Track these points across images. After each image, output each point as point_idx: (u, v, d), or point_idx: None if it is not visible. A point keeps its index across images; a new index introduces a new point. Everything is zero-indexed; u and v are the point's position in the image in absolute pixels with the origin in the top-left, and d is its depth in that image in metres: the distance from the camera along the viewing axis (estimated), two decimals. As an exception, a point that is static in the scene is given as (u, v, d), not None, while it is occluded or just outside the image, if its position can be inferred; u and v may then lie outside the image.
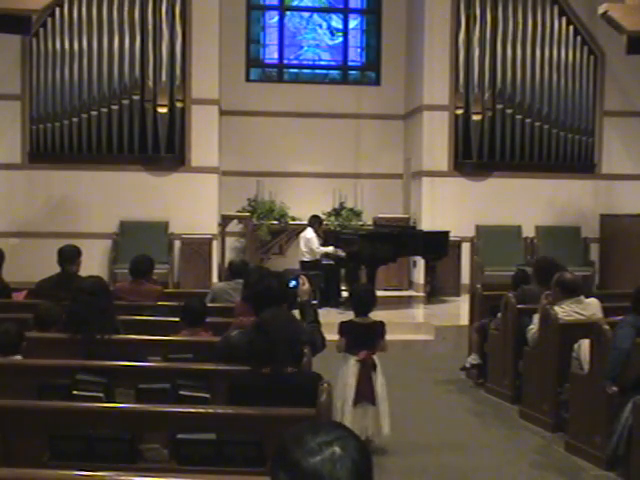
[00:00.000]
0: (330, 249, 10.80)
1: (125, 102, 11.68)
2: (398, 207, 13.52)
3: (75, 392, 3.96)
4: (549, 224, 12.49)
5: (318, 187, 13.37)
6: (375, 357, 5.60)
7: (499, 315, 7.29)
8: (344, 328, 5.64)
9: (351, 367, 5.51)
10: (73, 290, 5.06)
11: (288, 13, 14.05)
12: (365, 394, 5.48)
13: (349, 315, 6.05)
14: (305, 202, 12.92)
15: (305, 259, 10.88)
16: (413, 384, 7.62)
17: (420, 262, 11.90)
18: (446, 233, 11.27)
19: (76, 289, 5.03)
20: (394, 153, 13.66)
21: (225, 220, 12.36)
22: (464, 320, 9.13)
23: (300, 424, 1.58)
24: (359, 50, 14.19)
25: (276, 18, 13.97)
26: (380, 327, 5.68)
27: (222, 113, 12.57)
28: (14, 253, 10.38)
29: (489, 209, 12.37)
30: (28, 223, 11.72)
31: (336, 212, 13.19)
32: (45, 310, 5.10)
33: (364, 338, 5.61)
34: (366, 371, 5.50)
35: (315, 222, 11.10)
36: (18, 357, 4.41)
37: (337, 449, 1.48)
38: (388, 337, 5.77)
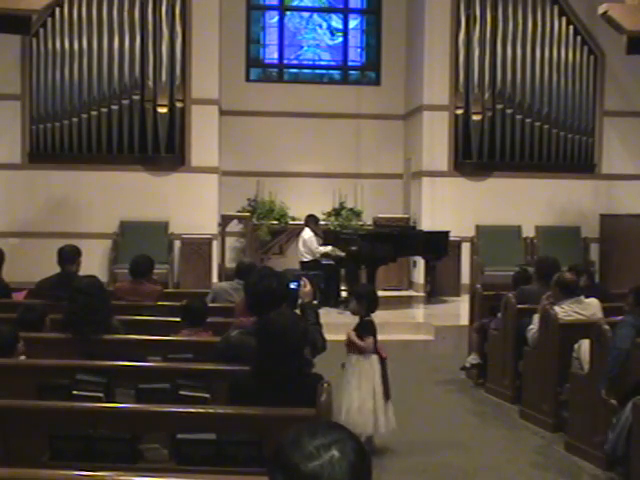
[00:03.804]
0: (328, 249, 10.80)
1: (125, 102, 11.68)
2: (398, 207, 13.52)
3: (75, 392, 3.96)
4: (549, 224, 12.49)
5: (318, 187, 13.37)
6: None
7: (499, 315, 7.29)
8: (369, 328, 5.66)
9: (375, 365, 5.58)
10: (70, 290, 5.06)
11: (288, 13, 14.06)
12: (388, 390, 5.61)
13: (349, 315, 6.04)
14: (305, 202, 12.92)
15: (305, 259, 10.89)
16: (413, 384, 7.62)
17: (420, 262, 11.90)
18: (446, 233, 11.27)
19: (72, 289, 5.02)
20: (394, 153, 13.66)
21: (225, 220, 12.36)
22: (464, 320, 9.13)
23: (298, 425, 1.57)
24: (359, 50, 14.19)
25: (276, 18, 13.97)
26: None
27: (222, 113, 12.57)
28: (14, 253, 10.38)
29: (489, 209, 12.37)
30: (28, 223, 11.72)
31: (336, 212, 13.19)
32: (26, 311, 5.07)
33: (375, 336, 5.66)
34: (385, 368, 5.64)
35: (311, 221, 11.10)
36: (22, 357, 4.41)
37: (335, 453, 1.48)
38: (389, 337, 5.82)
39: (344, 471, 1.46)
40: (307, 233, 10.94)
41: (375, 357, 5.61)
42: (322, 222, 11.86)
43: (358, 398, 5.47)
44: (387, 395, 5.60)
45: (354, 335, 5.62)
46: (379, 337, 5.82)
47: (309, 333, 4.03)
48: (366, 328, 5.65)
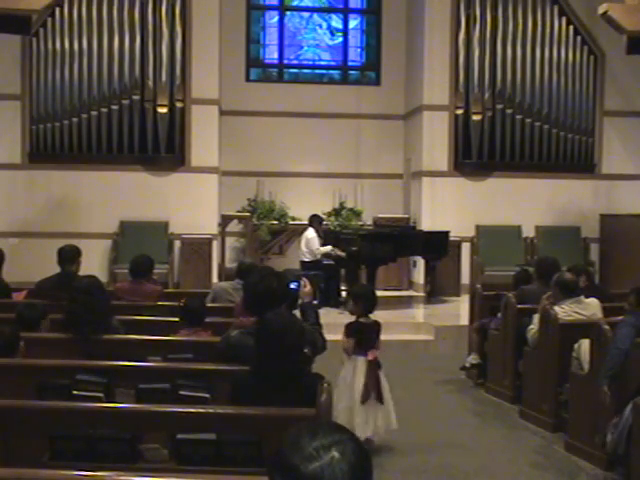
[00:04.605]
0: (328, 249, 10.80)
1: (125, 102, 11.68)
2: (398, 207, 13.52)
3: (75, 392, 3.96)
4: (549, 224, 12.49)
5: (318, 187, 13.37)
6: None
7: (499, 315, 7.29)
8: (352, 329, 5.64)
9: (360, 367, 5.55)
10: (70, 290, 5.06)
11: (288, 13, 14.05)
12: (375, 393, 5.53)
13: (348, 315, 6.04)
14: (305, 202, 12.92)
15: (305, 259, 10.89)
16: (413, 384, 7.62)
17: (420, 262, 11.90)
18: (446, 233, 11.27)
19: (72, 289, 5.02)
20: (394, 153, 13.66)
21: (225, 220, 12.36)
22: (464, 320, 9.13)
23: (298, 426, 1.56)
24: (359, 50, 14.19)
25: (276, 18, 13.97)
26: (379, 327, 5.73)
27: (222, 113, 12.57)
28: (14, 253, 10.38)
29: (489, 209, 12.37)
30: (28, 223, 11.72)
31: (336, 212, 13.19)
32: (24, 310, 5.07)
33: (369, 338, 5.64)
34: (375, 370, 5.58)
35: (315, 221, 11.11)
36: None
37: (335, 454, 1.47)
38: (388, 337, 5.81)
39: (344, 472, 1.46)
40: (311, 233, 10.94)
41: (360, 359, 5.57)
42: (323, 222, 11.86)
43: (336, 398, 5.45)
44: (377, 398, 5.53)
45: (343, 334, 5.64)
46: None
47: (308, 333, 4.03)
48: (350, 329, 5.64)
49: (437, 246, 11.12)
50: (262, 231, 12.66)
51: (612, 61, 12.51)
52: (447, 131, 12.38)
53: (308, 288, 4.63)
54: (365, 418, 5.47)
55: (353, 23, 14.20)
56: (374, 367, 5.58)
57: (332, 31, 14.17)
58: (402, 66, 13.65)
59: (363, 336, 5.62)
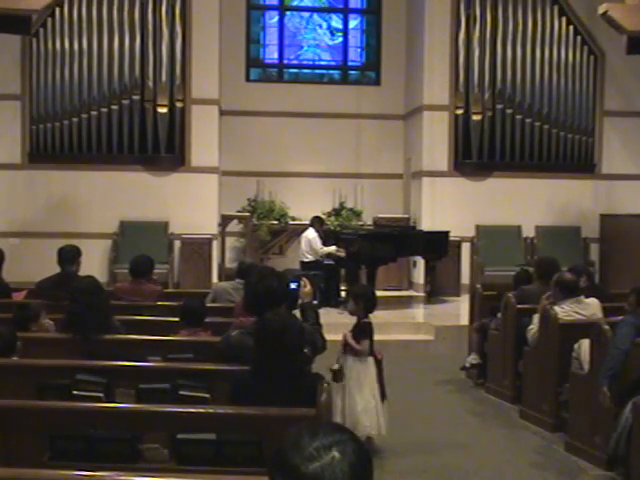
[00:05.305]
0: (332, 249, 10.80)
1: (125, 102, 11.68)
2: (398, 207, 13.52)
3: (75, 392, 3.96)
4: (549, 224, 12.49)
5: (318, 187, 13.36)
6: None
7: (499, 315, 7.29)
8: (367, 330, 5.64)
9: (371, 367, 5.58)
10: (71, 290, 5.06)
11: (288, 13, 14.05)
12: (383, 391, 5.61)
13: (348, 315, 6.04)
14: (305, 202, 12.93)
15: (306, 259, 10.88)
16: (413, 384, 7.62)
17: (420, 262, 11.90)
18: (446, 233, 11.27)
19: (74, 289, 5.03)
20: (394, 153, 13.66)
21: (225, 220, 12.36)
22: (464, 320, 9.13)
23: (298, 426, 1.56)
24: (359, 50, 14.19)
25: (276, 18, 13.97)
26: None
27: (222, 113, 12.57)
28: (14, 253, 10.38)
29: (489, 209, 12.36)
30: (28, 223, 11.72)
31: (336, 212, 13.19)
32: (16, 311, 5.08)
33: (372, 338, 5.65)
34: (381, 369, 5.63)
35: (317, 223, 11.12)
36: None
37: (336, 454, 1.47)
38: (388, 337, 5.81)
39: (345, 472, 1.45)
40: (311, 233, 10.93)
41: (371, 359, 5.61)
42: (324, 223, 11.83)
43: (361, 400, 5.47)
44: (382, 396, 5.60)
45: (350, 337, 5.62)
46: (378, 337, 5.82)
47: (308, 333, 4.03)
48: (362, 331, 5.64)
49: (437, 246, 11.12)
50: (262, 231, 12.66)
51: (612, 61, 12.51)
52: (447, 131, 12.38)
53: (308, 288, 4.63)
54: (378, 416, 5.51)
55: (353, 23, 14.20)
56: (381, 366, 5.63)
57: (332, 31, 14.17)
58: (402, 66, 13.65)
59: (370, 336, 5.64)
